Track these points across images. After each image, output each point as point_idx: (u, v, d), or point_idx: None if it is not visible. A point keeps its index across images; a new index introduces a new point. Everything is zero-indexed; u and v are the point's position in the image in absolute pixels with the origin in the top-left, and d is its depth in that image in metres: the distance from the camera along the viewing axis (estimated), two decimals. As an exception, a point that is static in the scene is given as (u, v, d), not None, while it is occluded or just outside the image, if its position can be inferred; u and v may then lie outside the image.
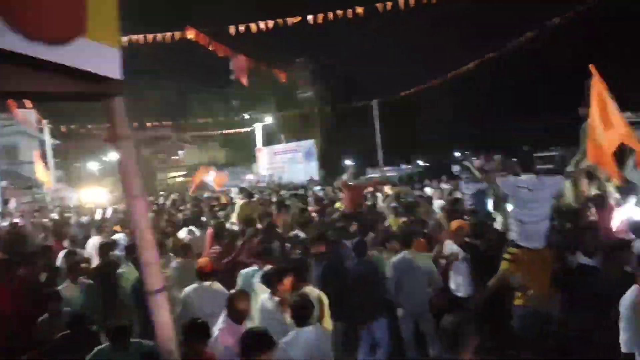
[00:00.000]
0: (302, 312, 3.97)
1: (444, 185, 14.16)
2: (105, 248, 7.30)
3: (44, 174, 20.95)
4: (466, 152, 30.36)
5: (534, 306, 4.84)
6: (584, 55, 6.72)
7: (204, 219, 10.60)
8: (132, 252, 6.49)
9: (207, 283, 5.18)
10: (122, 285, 6.40)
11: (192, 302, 5.07)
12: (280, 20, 10.92)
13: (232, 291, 4.55)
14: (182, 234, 8.98)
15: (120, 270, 6.61)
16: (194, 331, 3.71)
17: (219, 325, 4.09)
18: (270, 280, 4.53)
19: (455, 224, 6.25)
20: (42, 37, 1.78)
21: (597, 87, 6.64)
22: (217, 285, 5.28)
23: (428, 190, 14.32)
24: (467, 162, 7.58)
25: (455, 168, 13.98)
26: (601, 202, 6.28)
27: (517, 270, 5.02)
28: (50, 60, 1.86)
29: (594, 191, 7.02)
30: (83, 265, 6.86)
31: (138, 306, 5.61)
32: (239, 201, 10.96)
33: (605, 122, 6.51)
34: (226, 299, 4.25)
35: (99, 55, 2.07)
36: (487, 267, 5.32)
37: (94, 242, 8.52)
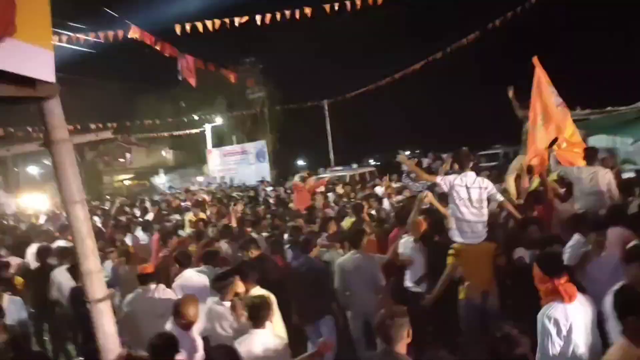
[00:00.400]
0: (260, 313, 3.95)
1: (394, 184, 14.40)
2: (44, 254, 6.99)
3: None
4: (416, 152, 30.87)
5: (475, 299, 4.99)
6: (527, 54, 6.92)
7: (148, 217, 10.42)
8: (65, 256, 6.23)
9: (152, 286, 5.06)
10: (58, 293, 6.16)
11: (139, 307, 4.93)
12: (227, 20, 10.79)
13: (179, 297, 4.47)
14: (128, 239, 8.73)
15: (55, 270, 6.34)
16: (162, 346, 3.53)
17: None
18: (219, 285, 4.47)
19: (418, 221, 6.25)
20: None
21: (539, 79, 6.82)
22: (163, 287, 5.18)
23: (378, 190, 14.53)
24: (400, 159, 7.27)
25: (405, 167, 14.18)
26: (541, 197, 6.54)
27: (460, 264, 5.16)
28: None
29: (534, 186, 7.30)
30: (16, 277, 6.57)
31: (77, 316, 5.40)
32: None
33: (545, 116, 6.71)
34: (172, 306, 4.18)
35: (30, 57, 1.97)
36: (444, 263, 5.31)
37: (33, 249, 8.13)
